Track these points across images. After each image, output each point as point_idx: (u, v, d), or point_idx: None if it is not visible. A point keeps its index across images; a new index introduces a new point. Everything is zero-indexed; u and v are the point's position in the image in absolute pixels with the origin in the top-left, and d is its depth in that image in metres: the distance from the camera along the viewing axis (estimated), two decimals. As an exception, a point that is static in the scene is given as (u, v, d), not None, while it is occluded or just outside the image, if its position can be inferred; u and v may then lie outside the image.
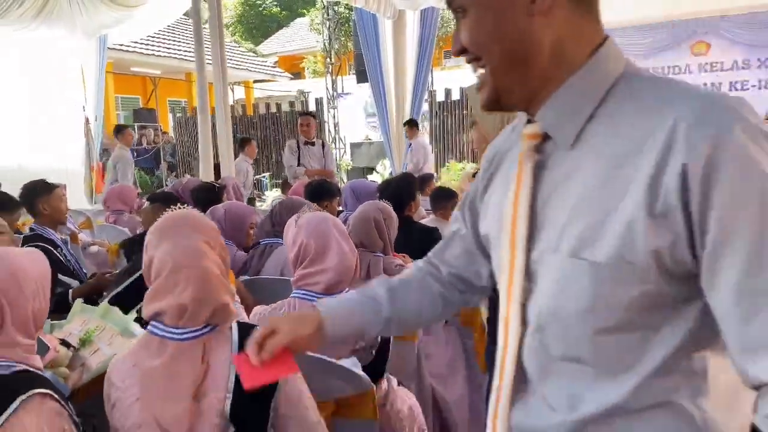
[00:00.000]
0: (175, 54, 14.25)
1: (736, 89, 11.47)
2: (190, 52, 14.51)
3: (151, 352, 1.42)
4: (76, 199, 7.87)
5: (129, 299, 2.22)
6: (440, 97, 11.99)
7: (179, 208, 1.60)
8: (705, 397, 0.84)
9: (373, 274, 2.74)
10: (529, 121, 0.91)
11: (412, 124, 8.50)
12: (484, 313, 2.54)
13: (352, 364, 1.85)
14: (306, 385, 1.54)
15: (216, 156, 6.72)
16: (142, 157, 12.04)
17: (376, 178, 10.30)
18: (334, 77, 13.25)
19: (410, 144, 8.46)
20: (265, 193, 11.02)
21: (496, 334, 0.94)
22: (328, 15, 13.42)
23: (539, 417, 0.91)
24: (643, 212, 0.75)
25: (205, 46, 6.40)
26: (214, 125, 6.45)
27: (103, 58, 8.97)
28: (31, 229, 3.33)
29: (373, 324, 1.13)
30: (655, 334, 0.81)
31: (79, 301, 2.26)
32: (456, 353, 2.81)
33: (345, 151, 13.61)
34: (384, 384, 2.06)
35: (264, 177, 11.71)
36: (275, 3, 28.32)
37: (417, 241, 3.11)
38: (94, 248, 4.52)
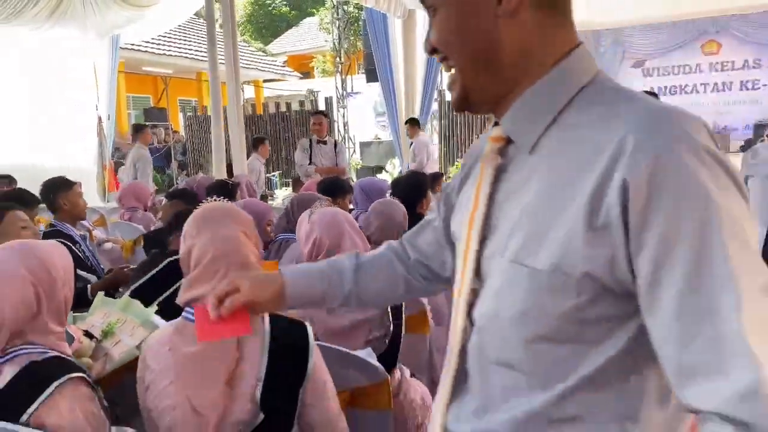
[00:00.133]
0: (186, 54, 14.35)
1: (747, 88, 11.44)
2: (201, 51, 14.61)
3: (187, 338, 1.46)
4: (89, 197, 7.90)
5: (149, 292, 2.28)
6: (450, 96, 12.00)
7: (215, 200, 1.65)
8: (635, 420, 0.80)
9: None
10: (497, 123, 0.91)
11: (413, 123, 8.55)
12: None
13: (367, 355, 1.90)
14: (330, 377, 1.59)
15: (228, 154, 6.78)
16: (153, 155, 12.10)
17: (386, 177, 10.35)
18: (343, 76, 13.30)
19: (411, 143, 8.51)
20: (275, 191, 11.08)
21: None
22: (337, 15, 13.47)
23: (468, 420, 0.91)
24: (584, 225, 0.74)
25: (218, 46, 6.47)
26: (226, 124, 6.51)
27: (115, 58, 9.05)
28: (51, 225, 3.39)
29: (334, 296, 1.15)
30: (588, 347, 0.79)
31: (100, 294, 2.32)
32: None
33: (354, 151, 13.66)
34: (397, 374, 2.10)
35: (274, 176, 11.77)
36: (285, 2, 28.40)
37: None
38: (108, 245, 4.58)
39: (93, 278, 3.22)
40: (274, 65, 19.04)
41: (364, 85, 14.18)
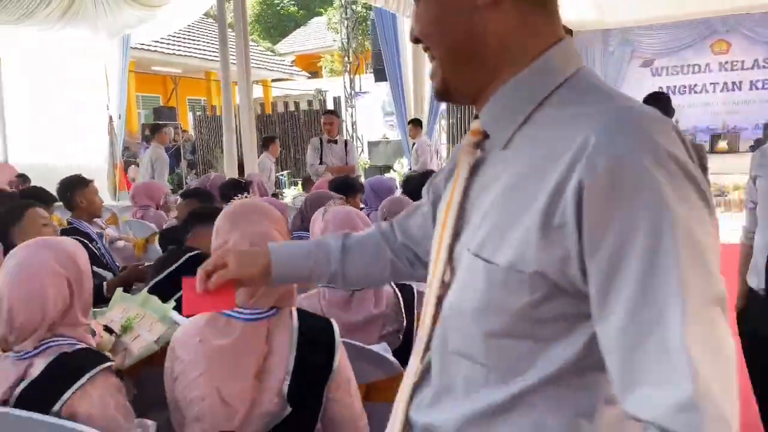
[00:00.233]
0: (195, 53, 14.42)
1: (757, 88, 11.41)
2: (210, 51, 14.69)
3: (218, 331, 1.50)
4: (100, 195, 8.02)
5: (167, 288, 2.32)
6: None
7: (245, 197, 1.69)
8: (590, 419, 0.79)
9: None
10: (477, 116, 0.90)
11: (416, 124, 8.58)
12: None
13: (383, 350, 1.93)
14: (353, 375, 1.62)
15: (240, 153, 6.83)
16: (163, 155, 12.20)
17: (394, 176, 10.38)
18: (352, 76, 13.35)
19: (413, 143, 8.54)
20: (284, 190, 11.14)
21: None
22: (346, 14, 13.51)
23: (426, 410, 0.91)
24: (540, 223, 0.73)
25: (220, 45, 6.52)
26: (238, 124, 6.56)
27: (126, 58, 9.12)
28: (69, 223, 3.44)
29: (320, 274, 1.17)
30: (546, 345, 0.78)
31: (119, 290, 2.36)
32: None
33: (362, 150, 13.70)
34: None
35: (282, 175, 11.83)
36: (293, 2, 28.48)
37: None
38: (120, 243, 4.63)
39: (109, 275, 3.27)
40: (283, 65, 19.11)
41: (372, 84, 14.22)
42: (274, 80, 18.51)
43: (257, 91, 17.16)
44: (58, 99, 8.33)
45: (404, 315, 2.10)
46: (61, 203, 3.69)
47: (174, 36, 13.18)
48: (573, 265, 0.73)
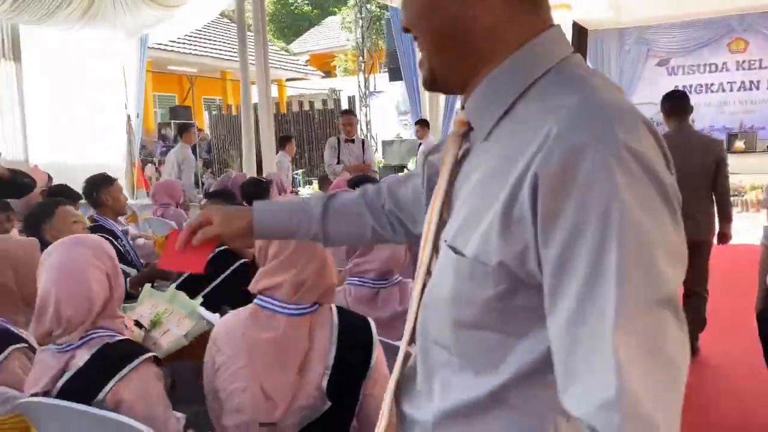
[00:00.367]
0: (210, 53, 14.52)
1: (774, 87, 11.30)
2: (225, 51, 14.77)
3: (261, 325, 1.55)
4: (121, 194, 8.10)
5: (194, 285, 2.37)
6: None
7: (294, 192, 1.74)
8: (567, 416, 0.76)
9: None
10: (463, 107, 0.89)
11: (423, 124, 8.60)
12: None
13: (410, 346, 1.97)
14: (389, 372, 1.67)
15: (258, 152, 6.89)
16: (179, 153, 12.30)
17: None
18: (366, 75, 13.39)
19: (420, 144, 8.54)
20: (299, 189, 11.20)
21: None
22: (361, 14, 13.55)
23: (411, 403, 0.92)
24: (501, 215, 0.73)
25: (239, 45, 6.56)
26: (257, 123, 6.61)
27: (143, 57, 9.21)
28: (94, 220, 3.51)
29: (303, 234, 1.19)
30: (516, 339, 0.78)
31: (147, 286, 2.42)
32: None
33: (377, 149, 13.75)
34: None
35: (297, 174, 11.90)
36: (307, 2, 28.57)
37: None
38: (140, 241, 4.71)
39: (133, 272, 3.33)
40: (297, 64, 19.18)
41: (387, 84, 14.26)
42: (288, 80, 18.59)
43: (272, 91, 17.24)
44: (78, 99, 8.42)
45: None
46: (83, 201, 3.76)
47: (190, 36, 13.27)
48: (532, 258, 0.72)
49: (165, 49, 12.62)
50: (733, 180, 8.77)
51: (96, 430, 1.56)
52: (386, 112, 15.75)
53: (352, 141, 6.37)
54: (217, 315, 2.30)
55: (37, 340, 1.86)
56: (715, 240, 3.97)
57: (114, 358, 1.60)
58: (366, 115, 13.27)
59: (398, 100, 15.39)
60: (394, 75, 11.72)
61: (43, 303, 1.63)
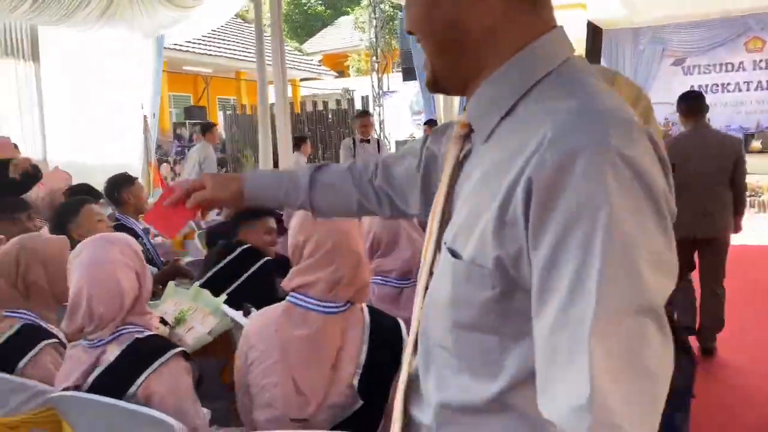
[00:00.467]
0: (225, 53, 14.61)
1: (792, 87, 11.20)
2: (240, 51, 14.85)
3: (295, 322, 1.57)
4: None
5: (217, 283, 2.41)
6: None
7: None
8: None
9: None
10: (465, 108, 0.89)
11: (432, 125, 8.63)
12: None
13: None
14: None
15: (275, 152, 6.93)
16: (194, 153, 12.38)
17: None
18: (379, 75, 13.42)
19: None
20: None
21: None
22: (374, 14, 13.58)
23: (419, 401, 0.92)
24: (496, 219, 0.73)
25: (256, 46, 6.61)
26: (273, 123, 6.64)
27: (160, 58, 9.29)
28: (116, 219, 3.56)
29: (290, 204, 1.24)
30: (514, 341, 0.78)
31: (171, 284, 2.46)
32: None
33: (390, 149, 13.78)
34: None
35: (311, 173, 11.91)
36: (320, 2, 28.65)
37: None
38: (158, 239, 4.77)
39: (153, 270, 3.38)
40: (311, 64, 19.24)
41: (400, 83, 14.27)
42: (302, 80, 18.66)
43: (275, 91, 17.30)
44: (96, 99, 8.50)
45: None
46: (102, 200, 3.80)
47: (205, 36, 13.36)
48: (526, 261, 0.72)
49: (180, 50, 12.71)
50: (750, 180, 8.71)
51: (127, 424, 1.60)
52: (400, 111, 15.76)
53: (368, 141, 6.40)
54: (240, 312, 2.34)
55: (69, 336, 1.91)
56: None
57: (145, 352, 1.64)
58: (380, 114, 13.30)
59: (412, 99, 15.40)
60: (408, 75, 11.73)
61: (75, 300, 1.67)
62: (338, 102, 13.73)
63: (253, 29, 6.82)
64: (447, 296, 0.81)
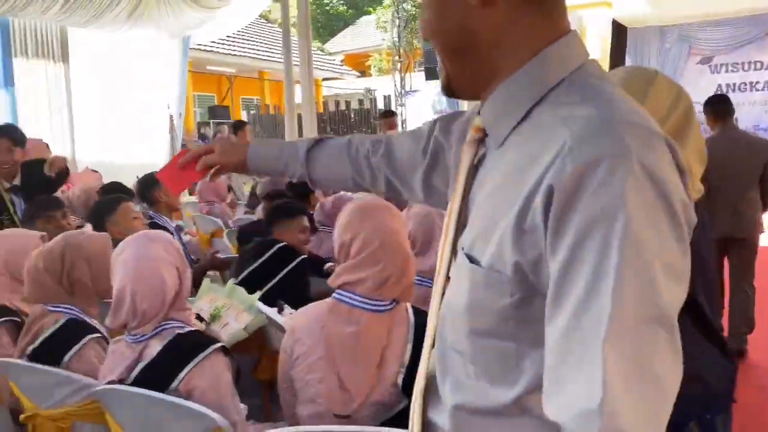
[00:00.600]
0: (249, 53, 14.72)
1: (821, 85, 11.01)
2: (263, 51, 14.96)
3: (341, 319, 1.59)
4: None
5: (253, 281, 2.45)
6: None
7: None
8: None
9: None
10: (479, 113, 0.90)
11: None
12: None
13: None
14: None
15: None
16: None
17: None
18: (402, 74, 13.43)
19: None
20: (335, 188, 11.29)
21: None
22: (398, 14, 13.60)
23: (436, 404, 0.92)
24: (515, 225, 0.74)
25: (279, 46, 6.67)
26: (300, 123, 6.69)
27: (185, 58, 9.40)
28: (149, 217, 3.62)
29: (291, 174, 1.31)
30: (533, 348, 0.78)
31: (207, 281, 2.50)
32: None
33: (412, 148, 13.79)
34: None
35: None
36: (342, 2, 28.73)
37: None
38: (186, 237, 4.84)
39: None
40: (333, 64, 19.32)
41: (422, 83, 14.27)
42: (324, 79, 18.74)
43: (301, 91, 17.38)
44: (124, 99, 8.63)
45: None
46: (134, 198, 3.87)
47: (228, 36, 13.48)
48: (544, 268, 0.72)
49: (204, 50, 12.84)
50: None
51: (169, 417, 1.63)
52: (422, 111, 15.76)
53: (392, 141, 6.40)
54: (275, 309, 2.37)
55: (112, 332, 1.95)
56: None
57: (186, 347, 1.67)
58: (402, 114, 13.32)
59: (434, 99, 15.38)
60: (431, 74, 11.74)
61: (119, 297, 1.71)
62: (360, 102, 13.78)
63: (276, 29, 6.88)
64: (464, 302, 0.82)
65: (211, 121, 13.13)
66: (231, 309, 2.40)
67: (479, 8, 0.81)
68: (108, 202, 2.96)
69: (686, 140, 1.31)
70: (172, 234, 3.54)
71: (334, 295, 1.64)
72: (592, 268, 0.67)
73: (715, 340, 1.47)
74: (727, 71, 11.65)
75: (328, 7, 28.63)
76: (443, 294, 0.90)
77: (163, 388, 1.62)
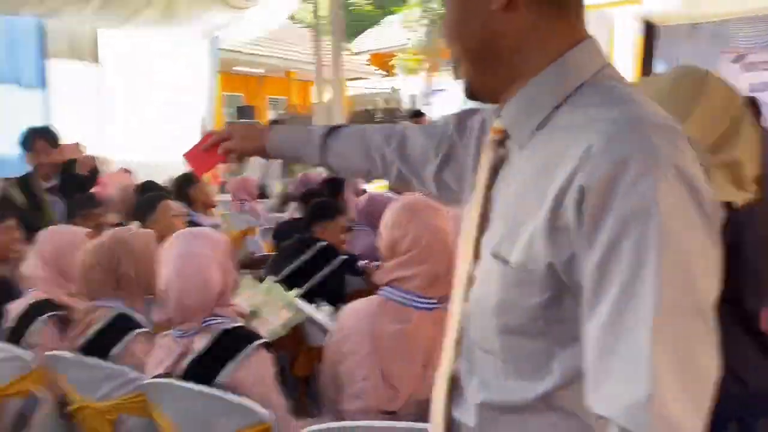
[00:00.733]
0: (276, 53, 14.83)
1: None
2: (290, 51, 15.06)
3: (389, 316, 1.61)
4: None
5: (294, 279, 2.48)
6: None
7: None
8: None
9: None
10: (499, 115, 0.92)
11: None
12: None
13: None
14: None
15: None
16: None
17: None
18: (429, 74, 13.41)
19: None
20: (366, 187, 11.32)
21: None
22: (424, 12, 13.59)
23: (461, 403, 0.93)
24: (546, 224, 0.75)
25: (306, 47, 6.71)
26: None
27: (215, 59, 9.50)
28: (187, 215, 3.67)
29: (307, 160, 1.36)
30: (563, 345, 0.80)
31: (247, 278, 2.53)
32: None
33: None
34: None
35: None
36: (367, 1, 28.78)
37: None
38: (221, 235, 4.89)
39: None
40: (358, 63, 19.35)
41: (448, 82, 14.23)
42: (349, 79, 18.78)
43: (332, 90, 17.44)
44: (154, 99, 8.75)
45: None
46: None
47: (256, 37, 13.59)
48: (577, 266, 0.74)
49: (232, 50, 12.96)
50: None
51: (215, 411, 1.66)
52: (448, 110, 15.70)
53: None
54: (313, 306, 2.40)
55: (158, 326, 1.99)
56: None
57: (231, 343, 1.70)
58: (428, 113, 13.30)
59: (461, 98, 15.32)
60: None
61: (165, 292, 1.74)
62: (386, 101, 13.79)
63: (302, 29, 6.94)
64: (494, 301, 0.83)
65: (240, 120, 13.24)
66: (270, 306, 2.43)
67: (501, 14, 0.83)
68: (148, 201, 3.01)
69: (739, 139, 1.30)
70: (208, 232, 3.60)
71: (381, 292, 1.65)
72: (629, 265, 0.69)
73: (758, 340, 1.45)
74: (762, 69, 11.43)
75: (352, 7, 28.70)
76: (466, 294, 0.91)
77: (208, 382, 1.65)
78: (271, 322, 2.34)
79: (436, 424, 0.96)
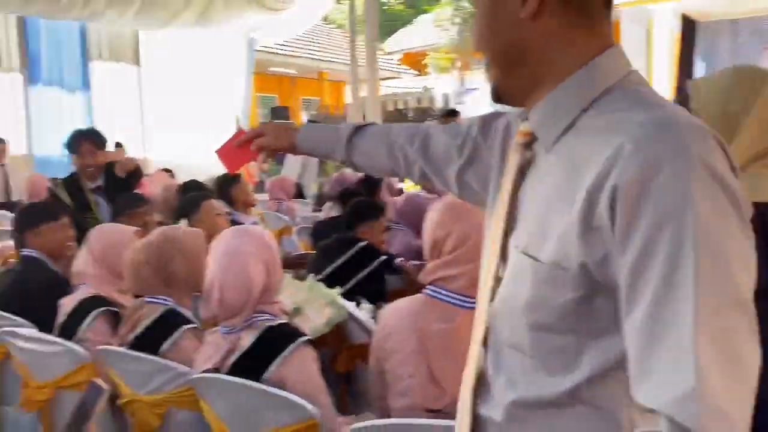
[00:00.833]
0: (309, 54, 14.96)
1: None
2: (323, 52, 15.18)
3: (436, 315, 1.63)
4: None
5: (335, 278, 2.51)
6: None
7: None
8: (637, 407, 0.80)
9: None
10: (526, 118, 0.93)
11: None
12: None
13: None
14: None
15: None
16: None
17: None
18: (461, 73, 13.38)
19: None
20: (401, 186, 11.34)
21: None
22: (456, 11, 13.56)
23: (488, 401, 0.94)
24: (579, 223, 0.77)
25: (338, 47, 6.76)
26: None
27: (251, 60, 9.62)
28: (228, 214, 3.74)
29: (334, 158, 1.37)
30: (593, 341, 0.82)
31: (288, 276, 2.57)
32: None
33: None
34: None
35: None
36: (399, 1, 28.80)
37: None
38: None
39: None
40: (391, 63, 19.38)
41: (481, 80, 14.18)
42: (382, 79, 18.82)
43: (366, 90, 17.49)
44: (191, 100, 8.90)
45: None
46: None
47: (290, 38, 13.71)
48: (611, 264, 0.76)
49: (267, 51, 13.10)
50: None
51: (262, 406, 1.69)
52: (481, 108, 15.66)
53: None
54: (353, 304, 2.43)
55: (205, 323, 2.04)
56: None
57: (277, 339, 1.74)
58: (462, 112, 13.28)
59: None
60: (491, 72, 11.61)
61: (209, 288, 1.79)
62: (419, 100, 13.80)
63: (334, 29, 6.99)
64: (524, 299, 0.85)
65: (273, 121, 13.40)
66: (312, 303, 2.47)
67: (529, 22, 0.85)
68: (192, 200, 3.08)
69: None
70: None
71: (426, 291, 1.67)
72: (668, 262, 0.70)
73: None
74: (804, 66, 11.12)
75: (385, 7, 28.73)
76: (492, 294, 0.93)
77: (255, 378, 1.69)
78: (314, 320, 2.37)
79: (462, 420, 0.98)
